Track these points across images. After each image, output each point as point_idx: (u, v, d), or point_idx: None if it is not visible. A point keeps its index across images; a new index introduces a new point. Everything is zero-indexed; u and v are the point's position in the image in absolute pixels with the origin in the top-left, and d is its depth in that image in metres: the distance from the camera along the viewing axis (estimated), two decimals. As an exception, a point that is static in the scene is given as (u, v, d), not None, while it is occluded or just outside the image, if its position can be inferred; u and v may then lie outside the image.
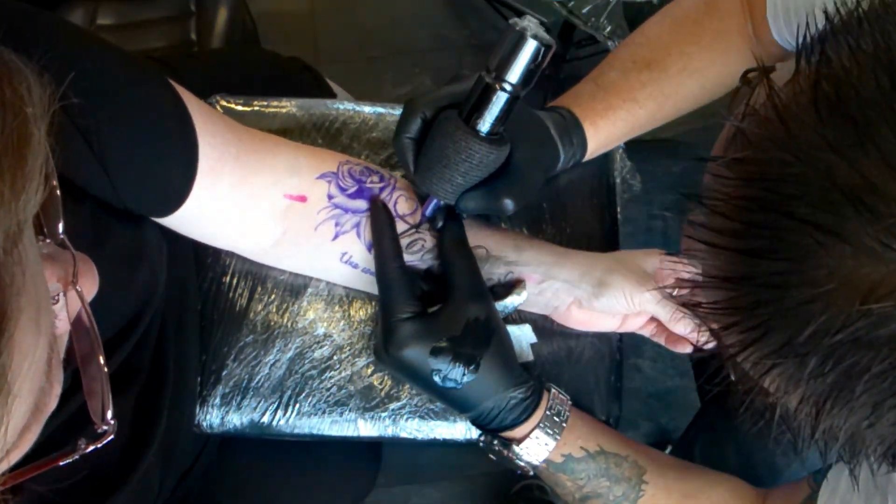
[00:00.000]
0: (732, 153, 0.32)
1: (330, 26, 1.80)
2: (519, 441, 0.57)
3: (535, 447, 0.56)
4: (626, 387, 0.65)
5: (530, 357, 0.64)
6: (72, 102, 0.36)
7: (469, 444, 0.64)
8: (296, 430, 0.63)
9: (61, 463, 0.32)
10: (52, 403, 0.30)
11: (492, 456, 0.58)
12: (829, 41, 0.31)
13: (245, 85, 0.79)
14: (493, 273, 0.61)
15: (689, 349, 0.62)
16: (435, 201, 0.57)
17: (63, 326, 0.33)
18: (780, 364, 0.31)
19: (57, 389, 0.30)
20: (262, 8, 1.76)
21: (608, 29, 1.18)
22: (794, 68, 0.32)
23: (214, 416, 0.62)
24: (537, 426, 0.56)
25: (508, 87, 0.49)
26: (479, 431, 0.60)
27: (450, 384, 0.55)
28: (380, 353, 0.56)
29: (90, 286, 0.34)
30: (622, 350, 0.66)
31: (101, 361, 0.34)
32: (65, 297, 0.32)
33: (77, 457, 0.32)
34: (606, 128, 0.62)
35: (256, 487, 0.74)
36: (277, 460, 0.75)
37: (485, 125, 0.51)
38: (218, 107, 0.71)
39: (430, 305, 0.57)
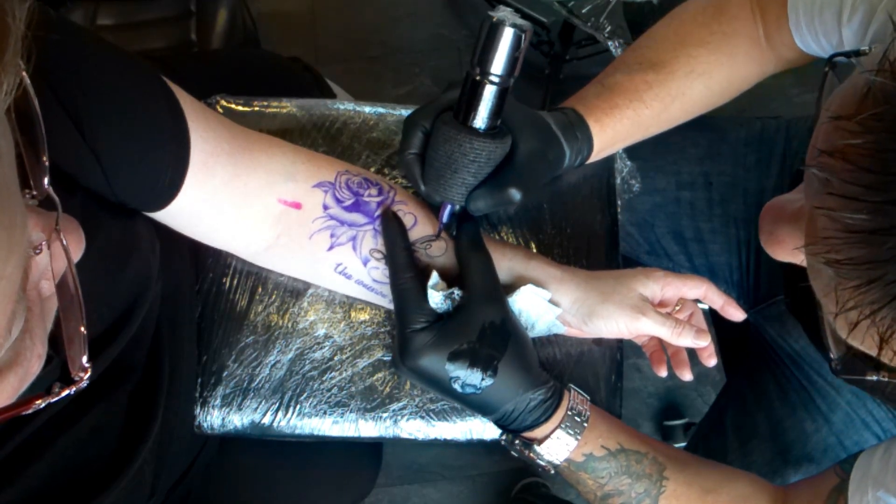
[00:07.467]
0: (869, 110, 0.33)
1: (330, 26, 1.80)
2: (540, 441, 0.57)
3: (556, 447, 0.56)
4: (626, 387, 0.65)
5: (562, 329, 0.62)
6: (60, 85, 0.36)
7: (469, 444, 0.64)
8: (297, 431, 0.63)
9: (42, 403, 0.31)
10: (36, 366, 0.30)
11: (513, 453, 0.59)
12: None
13: (245, 85, 0.79)
14: None
15: (662, 373, 0.64)
16: (449, 208, 0.57)
17: (48, 288, 0.32)
18: None
19: (40, 350, 0.30)
20: (262, 8, 1.76)
21: (608, 29, 1.18)
22: None
23: (215, 417, 0.62)
24: (558, 426, 0.56)
25: (496, 79, 0.50)
26: (498, 431, 0.60)
27: (469, 390, 0.54)
28: (397, 364, 0.56)
29: (76, 244, 0.33)
30: (622, 350, 0.66)
31: (82, 330, 0.33)
32: (49, 249, 0.31)
33: (53, 401, 0.32)
34: (612, 125, 0.62)
35: (256, 487, 0.74)
36: (278, 460, 0.75)
37: (481, 121, 0.52)
38: (218, 107, 0.71)
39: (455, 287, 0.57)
